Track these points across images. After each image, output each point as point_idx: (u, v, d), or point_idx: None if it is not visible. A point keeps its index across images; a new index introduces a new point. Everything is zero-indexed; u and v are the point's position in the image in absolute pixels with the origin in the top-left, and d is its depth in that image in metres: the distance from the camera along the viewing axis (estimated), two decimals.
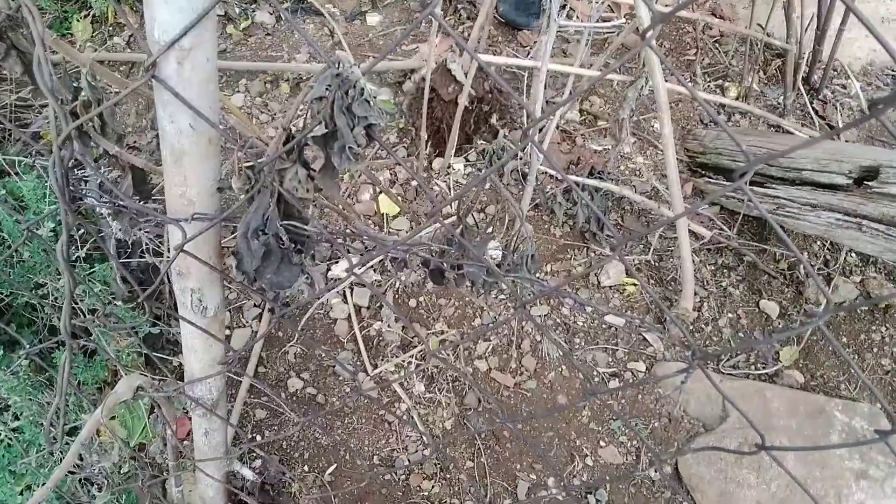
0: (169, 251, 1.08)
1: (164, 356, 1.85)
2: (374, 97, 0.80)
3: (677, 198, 1.93)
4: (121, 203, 1.00)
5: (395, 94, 2.74)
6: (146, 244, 1.75)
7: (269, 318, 2.02)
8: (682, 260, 2.02)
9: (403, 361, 2.02)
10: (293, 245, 0.99)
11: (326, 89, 0.81)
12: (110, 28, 2.88)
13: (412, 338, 2.07)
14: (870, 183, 1.84)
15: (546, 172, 2.40)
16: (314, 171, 0.94)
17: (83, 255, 1.73)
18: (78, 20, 2.79)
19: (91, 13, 2.83)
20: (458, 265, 1.08)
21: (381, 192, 2.36)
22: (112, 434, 1.51)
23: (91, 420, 1.41)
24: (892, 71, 2.94)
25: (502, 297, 2.16)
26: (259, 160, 0.90)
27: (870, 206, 1.83)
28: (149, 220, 1.02)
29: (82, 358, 1.70)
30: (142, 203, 1.07)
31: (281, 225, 0.95)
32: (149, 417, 1.76)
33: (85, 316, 1.62)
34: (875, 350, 2.10)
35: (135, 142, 2.49)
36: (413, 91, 2.65)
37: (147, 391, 1.38)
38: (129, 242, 1.79)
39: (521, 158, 2.29)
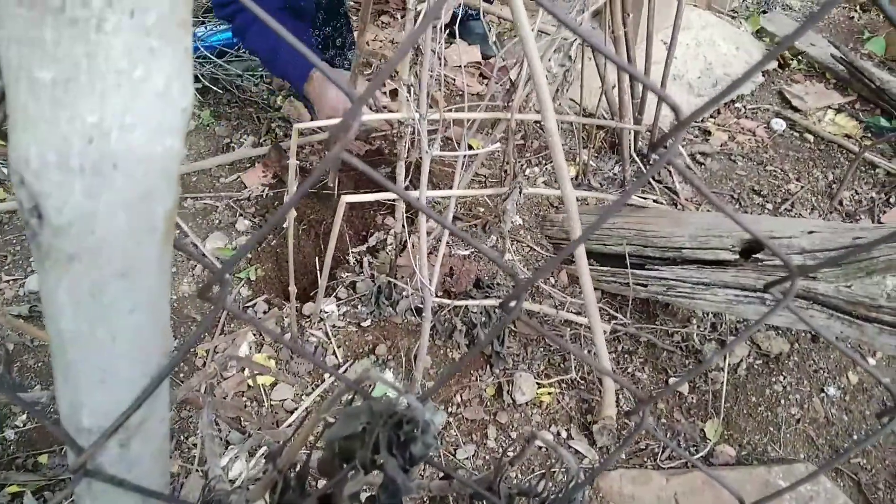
0: None
1: None
2: (438, 428, 0.59)
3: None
4: None
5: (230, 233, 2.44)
6: None
7: None
8: (599, 361, 1.94)
9: None
10: None
11: (361, 426, 0.58)
12: None
13: None
14: (758, 255, 1.89)
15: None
16: None
17: None
18: None
19: None
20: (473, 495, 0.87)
21: (258, 373, 2.04)
22: None
23: None
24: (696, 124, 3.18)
25: None
26: None
27: (767, 280, 1.89)
28: None
29: None
30: None
31: None
32: None
33: None
34: (782, 402, 2.17)
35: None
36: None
37: None
38: None
39: (412, 295, 2.11)
